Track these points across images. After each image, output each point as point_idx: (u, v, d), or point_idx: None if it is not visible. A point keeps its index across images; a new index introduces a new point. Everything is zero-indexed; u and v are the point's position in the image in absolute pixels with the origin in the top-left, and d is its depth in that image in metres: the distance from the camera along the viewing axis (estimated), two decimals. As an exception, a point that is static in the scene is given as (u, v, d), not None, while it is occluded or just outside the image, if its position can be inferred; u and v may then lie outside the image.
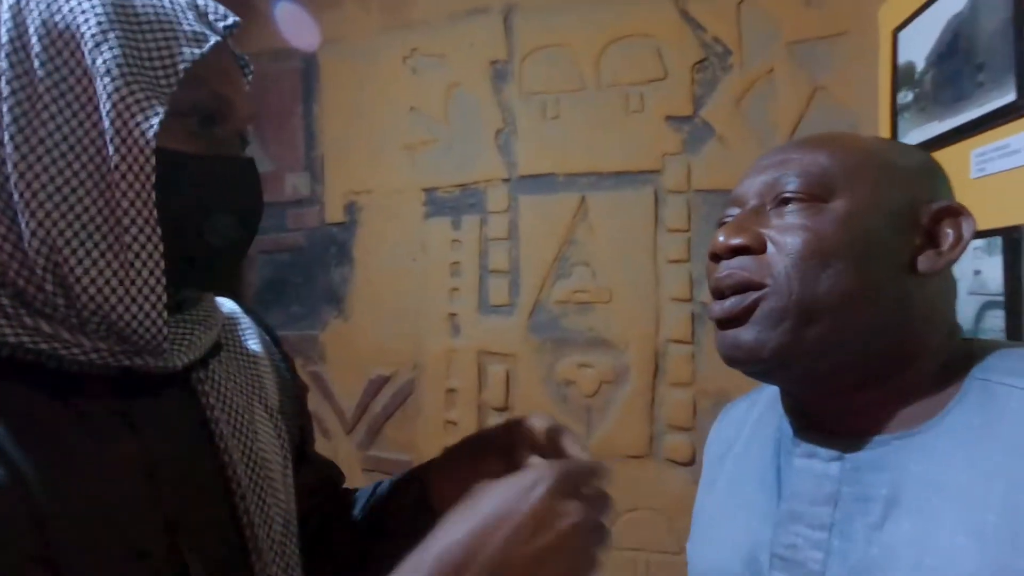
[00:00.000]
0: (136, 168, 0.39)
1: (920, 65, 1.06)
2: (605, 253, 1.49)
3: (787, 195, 0.46)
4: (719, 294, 0.48)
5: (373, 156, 1.68)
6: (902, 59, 1.12)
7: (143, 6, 0.41)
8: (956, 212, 0.45)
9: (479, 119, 1.58)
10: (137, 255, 0.39)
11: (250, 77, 0.50)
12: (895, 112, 1.15)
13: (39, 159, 0.38)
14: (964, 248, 0.45)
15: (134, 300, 0.39)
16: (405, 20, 1.64)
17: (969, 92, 0.93)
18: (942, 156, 0.97)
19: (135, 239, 0.39)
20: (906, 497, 0.41)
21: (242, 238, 0.48)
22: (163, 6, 0.42)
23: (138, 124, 0.38)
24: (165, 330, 0.41)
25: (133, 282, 0.39)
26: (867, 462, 0.44)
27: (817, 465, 0.46)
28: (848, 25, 1.32)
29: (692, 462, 1.40)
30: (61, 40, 0.39)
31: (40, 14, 0.39)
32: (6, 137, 0.38)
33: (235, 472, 0.47)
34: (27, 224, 0.37)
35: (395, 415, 1.67)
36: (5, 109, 0.38)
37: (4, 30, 0.38)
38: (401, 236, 1.66)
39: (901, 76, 1.13)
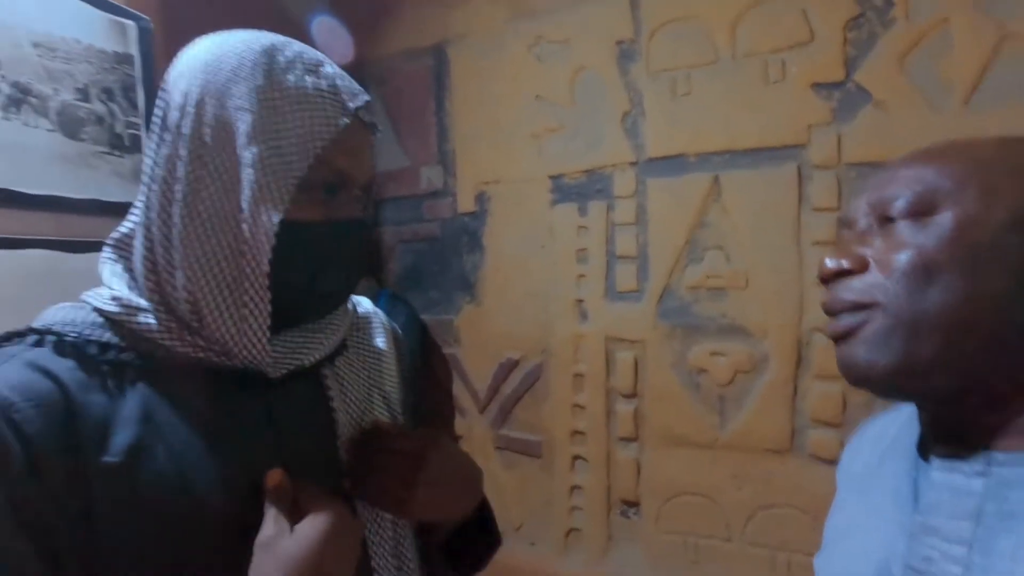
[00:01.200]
0: (259, 245, 0.48)
1: None
2: (741, 235, 1.40)
3: (891, 215, 0.45)
4: (833, 315, 0.48)
5: (501, 146, 1.73)
6: None
7: (287, 96, 0.49)
8: None
9: (605, 102, 1.55)
10: (251, 310, 0.49)
11: (377, 135, 0.57)
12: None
13: (195, 231, 0.48)
14: None
15: (245, 344, 0.49)
16: (531, 8, 1.65)
17: None
18: None
19: (251, 298, 0.49)
20: None
21: (347, 285, 0.57)
22: (306, 92, 0.50)
23: (267, 210, 0.48)
24: (268, 359, 0.51)
25: (243, 333, 0.49)
26: (1016, 479, 0.42)
27: (958, 480, 0.44)
28: (1050, -44, 1.10)
29: (841, 461, 1.29)
30: (224, 133, 0.48)
31: (212, 109, 0.49)
32: (175, 210, 0.48)
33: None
34: (179, 279, 0.49)
35: (524, 397, 1.72)
36: (178, 188, 0.48)
37: (189, 122, 0.48)
38: (529, 224, 1.69)
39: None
